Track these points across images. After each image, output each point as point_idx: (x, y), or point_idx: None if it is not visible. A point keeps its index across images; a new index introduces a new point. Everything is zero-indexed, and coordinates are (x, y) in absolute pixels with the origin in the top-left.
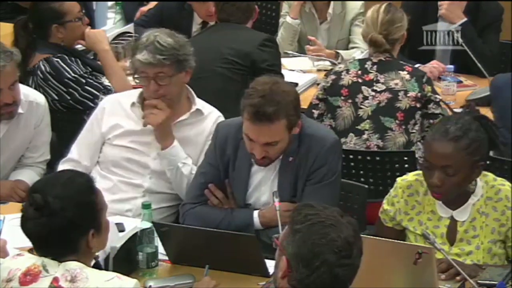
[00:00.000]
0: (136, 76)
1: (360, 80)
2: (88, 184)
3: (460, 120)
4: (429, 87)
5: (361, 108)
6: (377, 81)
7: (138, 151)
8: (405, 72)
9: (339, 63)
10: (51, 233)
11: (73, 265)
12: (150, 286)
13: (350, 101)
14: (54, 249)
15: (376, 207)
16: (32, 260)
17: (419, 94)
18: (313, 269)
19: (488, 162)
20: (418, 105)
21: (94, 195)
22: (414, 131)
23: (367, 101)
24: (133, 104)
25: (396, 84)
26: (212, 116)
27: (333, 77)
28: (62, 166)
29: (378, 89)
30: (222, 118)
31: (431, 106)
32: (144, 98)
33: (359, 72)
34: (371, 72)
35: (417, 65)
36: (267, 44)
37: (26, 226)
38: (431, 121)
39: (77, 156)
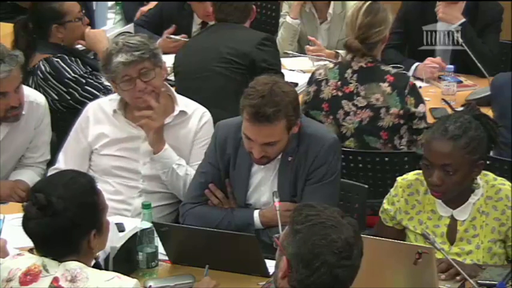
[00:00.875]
0: (118, 82)
1: (340, 94)
2: (90, 184)
3: (460, 119)
4: (412, 99)
5: (343, 125)
6: (358, 94)
7: (127, 158)
8: (386, 84)
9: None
10: (54, 233)
11: (73, 265)
12: (150, 286)
13: (331, 117)
14: (56, 249)
15: (375, 219)
16: (32, 260)
17: (401, 111)
18: (313, 269)
19: (488, 162)
20: (401, 121)
21: (96, 195)
22: (402, 146)
23: (348, 117)
24: (114, 111)
25: (377, 99)
26: (197, 113)
27: (314, 87)
28: (50, 173)
29: (359, 105)
30: (207, 114)
31: (415, 122)
32: (125, 104)
33: (339, 83)
34: (351, 83)
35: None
36: (266, 43)
37: (28, 225)
38: (414, 136)
39: (63, 165)
